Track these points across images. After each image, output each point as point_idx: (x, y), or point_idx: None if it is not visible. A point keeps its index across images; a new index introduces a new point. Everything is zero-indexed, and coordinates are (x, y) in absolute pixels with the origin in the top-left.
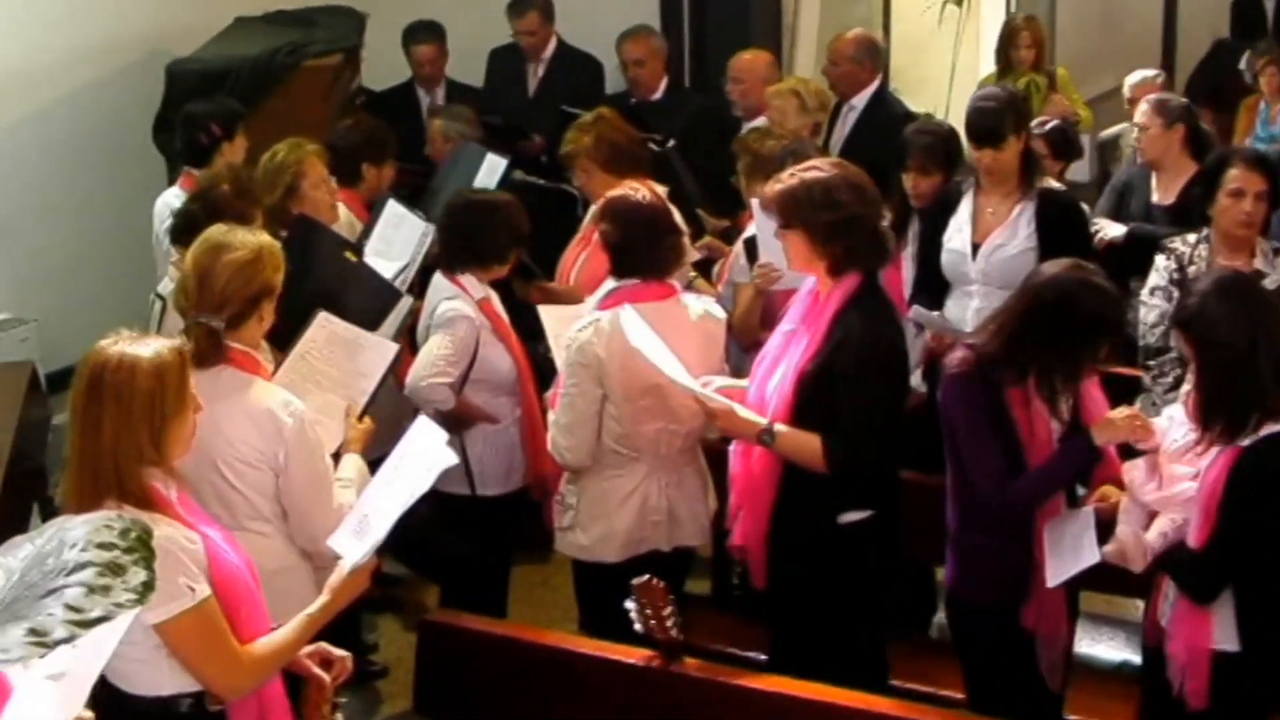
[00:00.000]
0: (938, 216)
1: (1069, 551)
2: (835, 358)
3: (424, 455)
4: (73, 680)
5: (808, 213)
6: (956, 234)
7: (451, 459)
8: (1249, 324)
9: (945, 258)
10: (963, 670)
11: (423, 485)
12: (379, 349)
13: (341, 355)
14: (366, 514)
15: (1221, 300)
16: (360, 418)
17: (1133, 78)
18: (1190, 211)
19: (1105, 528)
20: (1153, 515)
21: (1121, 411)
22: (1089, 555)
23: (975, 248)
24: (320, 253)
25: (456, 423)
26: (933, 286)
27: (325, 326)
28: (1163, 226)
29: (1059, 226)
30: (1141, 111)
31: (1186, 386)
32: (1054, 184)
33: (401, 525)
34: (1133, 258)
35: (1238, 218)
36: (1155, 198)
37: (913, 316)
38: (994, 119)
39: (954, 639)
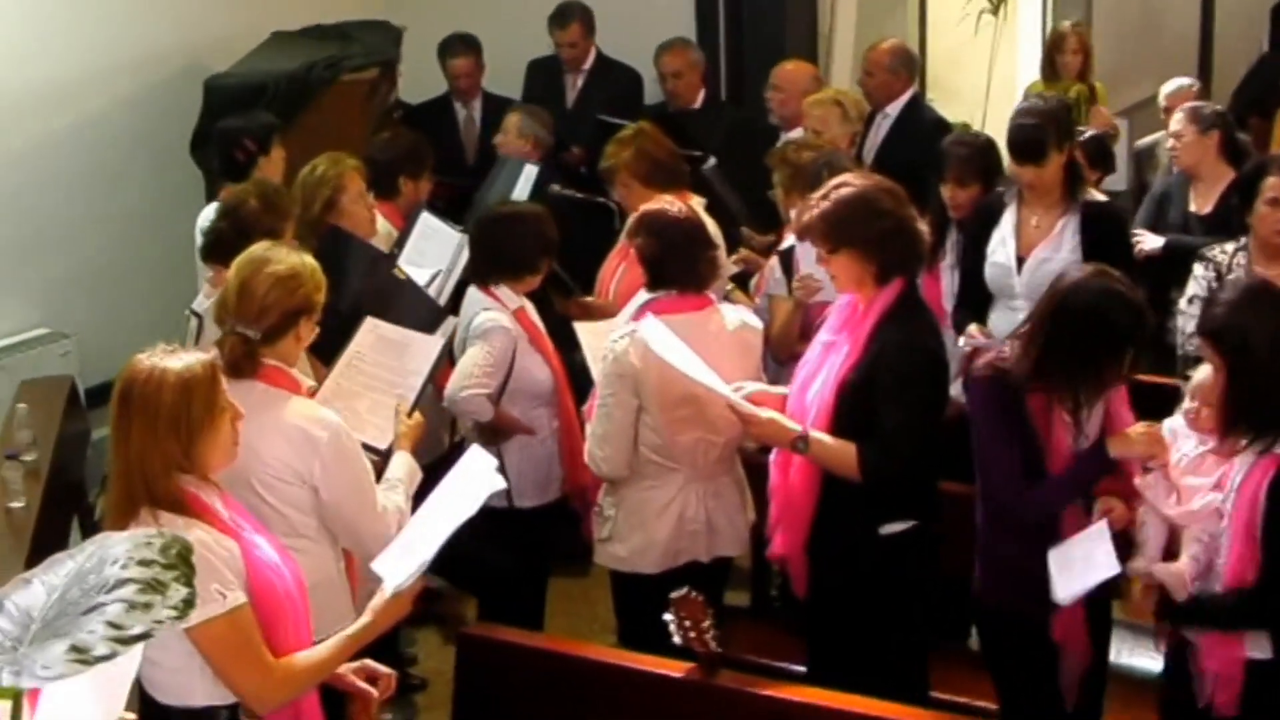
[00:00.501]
0: (980, 227)
1: (1080, 567)
2: (875, 367)
3: (473, 480)
4: (109, 681)
5: (856, 229)
6: (1000, 247)
7: (500, 484)
8: (1277, 332)
9: (989, 271)
10: (993, 680)
11: (469, 509)
12: (425, 344)
13: (390, 356)
14: (414, 538)
15: (1249, 309)
16: (410, 414)
17: (1168, 86)
18: (1228, 220)
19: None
20: (1172, 529)
21: (1140, 428)
22: (1106, 567)
23: (1020, 261)
24: (353, 265)
25: (494, 434)
26: (976, 299)
27: (373, 331)
28: (1199, 236)
29: (1103, 239)
30: (1176, 119)
31: (1188, 403)
32: (1098, 195)
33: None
34: (1171, 269)
35: (1276, 226)
36: (1193, 207)
37: (966, 342)
38: (1035, 134)
39: (981, 648)
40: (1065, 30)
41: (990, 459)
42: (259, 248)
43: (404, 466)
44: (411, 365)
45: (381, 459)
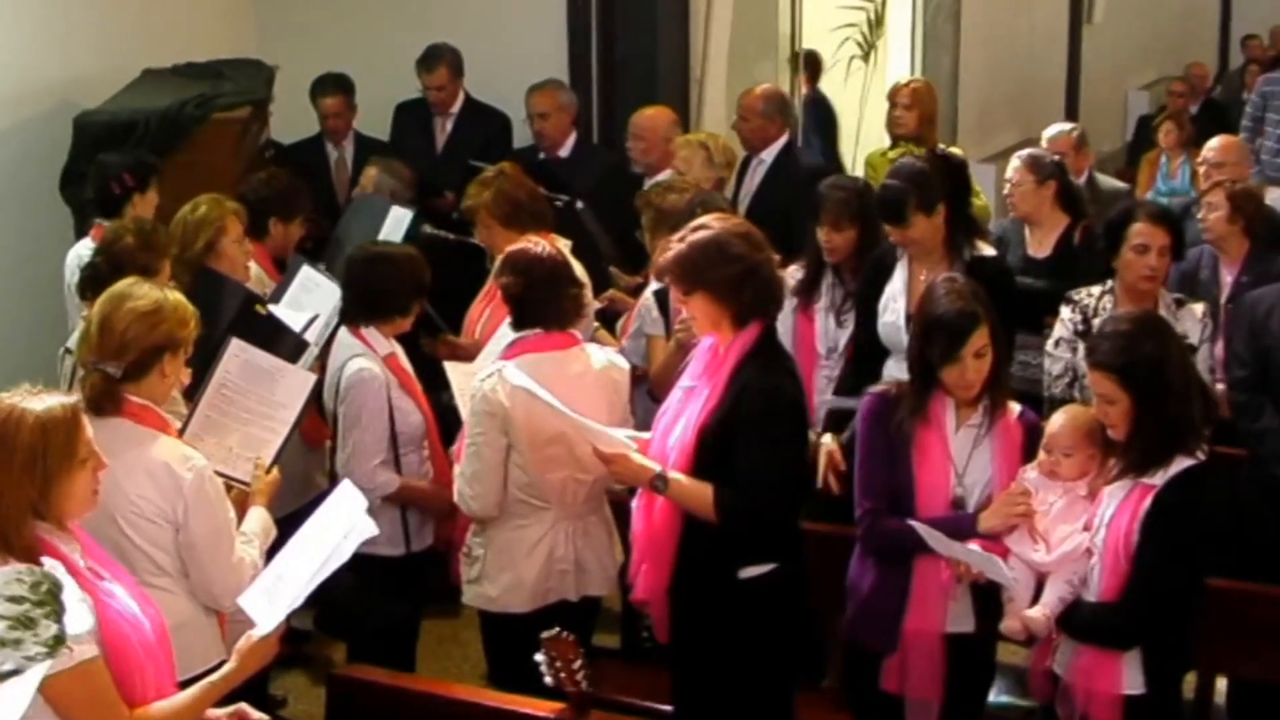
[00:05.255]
0: (870, 284)
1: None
2: (734, 411)
3: (345, 523)
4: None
5: (708, 272)
6: (891, 303)
7: (372, 530)
8: (1181, 360)
9: (882, 329)
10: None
11: (343, 555)
12: (296, 378)
13: (259, 384)
14: (280, 576)
15: (1154, 341)
16: (269, 469)
17: (1049, 131)
18: (1065, 263)
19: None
20: (1039, 576)
21: (1013, 494)
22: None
23: (909, 319)
24: (226, 306)
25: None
26: (871, 354)
27: (239, 355)
28: (1038, 279)
29: (986, 292)
30: (1013, 168)
31: (1043, 455)
32: (986, 251)
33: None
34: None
35: (1142, 271)
36: (1030, 250)
37: (831, 405)
38: (895, 195)
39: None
40: (899, 84)
41: (860, 471)
42: (123, 284)
43: (259, 522)
44: (282, 398)
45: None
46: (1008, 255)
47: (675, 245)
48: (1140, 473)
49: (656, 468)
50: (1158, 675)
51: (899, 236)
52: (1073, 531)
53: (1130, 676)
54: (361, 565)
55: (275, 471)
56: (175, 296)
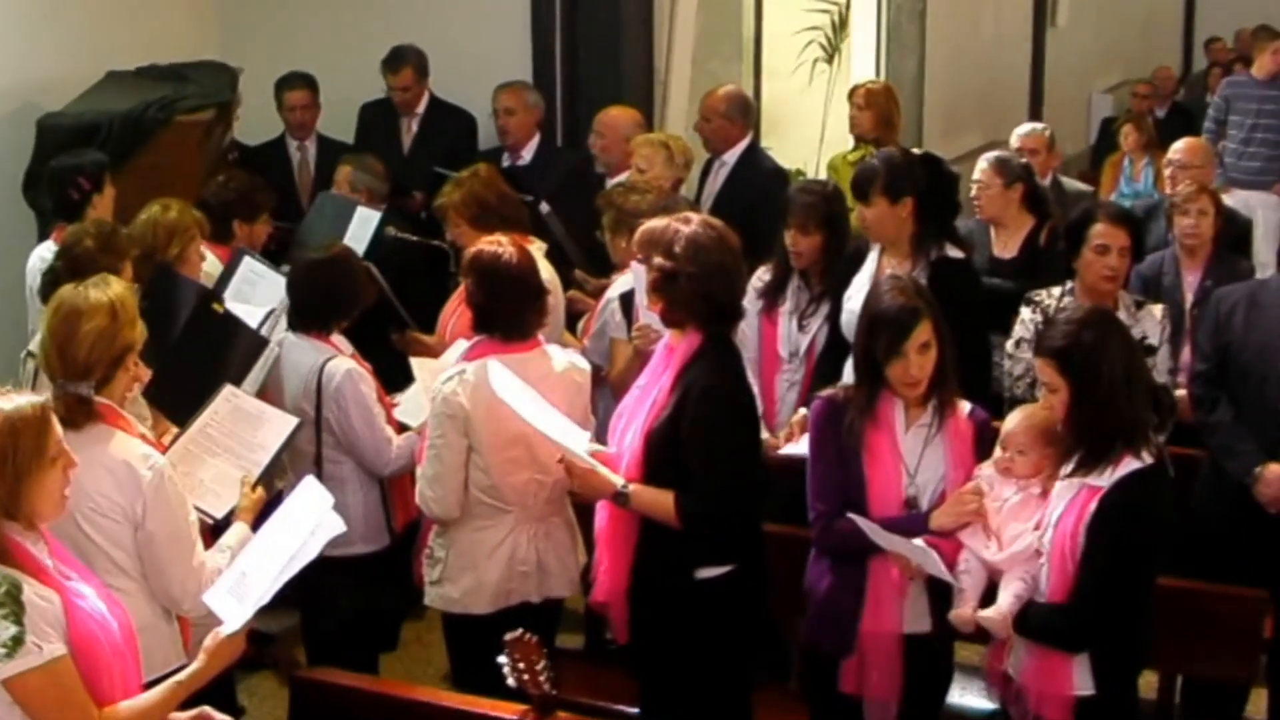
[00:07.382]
0: (842, 277)
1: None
2: (679, 412)
3: (310, 520)
4: None
5: (650, 253)
6: (856, 294)
7: (340, 527)
8: (1125, 355)
9: (844, 317)
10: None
11: (310, 551)
12: (279, 422)
13: (243, 428)
14: (245, 574)
15: (1096, 331)
16: (254, 487)
17: (1021, 129)
18: (1032, 264)
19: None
20: (992, 573)
21: (965, 493)
22: (923, 558)
23: None
24: (182, 304)
25: None
26: (837, 348)
27: (230, 401)
28: (1004, 280)
29: (949, 293)
30: (980, 169)
31: (999, 453)
32: (954, 252)
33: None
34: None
35: (1102, 272)
36: (996, 251)
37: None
38: (865, 172)
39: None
40: (857, 85)
41: (812, 475)
42: (66, 295)
43: (237, 536)
44: (260, 440)
45: (215, 526)
46: (974, 255)
47: (664, 219)
48: (1088, 473)
49: (619, 482)
50: (1108, 676)
51: (859, 214)
52: (1023, 530)
53: (1080, 678)
54: (346, 567)
55: (260, 490)
56: (118, 296)
